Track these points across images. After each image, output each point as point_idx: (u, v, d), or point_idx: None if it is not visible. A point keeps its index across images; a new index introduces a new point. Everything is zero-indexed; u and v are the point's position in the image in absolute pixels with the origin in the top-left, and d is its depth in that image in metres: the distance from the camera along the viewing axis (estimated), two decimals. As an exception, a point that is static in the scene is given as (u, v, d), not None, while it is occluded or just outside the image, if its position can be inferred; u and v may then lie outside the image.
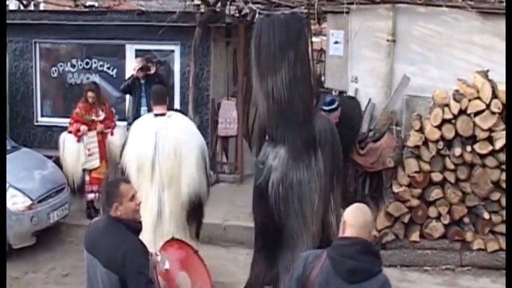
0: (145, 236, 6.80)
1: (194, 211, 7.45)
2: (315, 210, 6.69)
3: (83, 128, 10.43)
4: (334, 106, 9.20)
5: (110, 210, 4.91)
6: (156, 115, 7.47)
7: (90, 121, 10.52)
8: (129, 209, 4.91)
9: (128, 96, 11.67)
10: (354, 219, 4.11)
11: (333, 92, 11.56)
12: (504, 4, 9.98)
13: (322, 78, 13.94)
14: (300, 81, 6.52)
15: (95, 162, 10.49)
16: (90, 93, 10.61)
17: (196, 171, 7.34)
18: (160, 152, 7.12)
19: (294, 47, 6.49)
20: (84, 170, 10.48)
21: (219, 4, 12.12)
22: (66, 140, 10.50)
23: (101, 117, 10.63)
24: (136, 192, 5.09)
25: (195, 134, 7.69)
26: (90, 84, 11.16)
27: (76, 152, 10.43)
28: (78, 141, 10.43)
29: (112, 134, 10.65)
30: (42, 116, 13.28)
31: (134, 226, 4.96)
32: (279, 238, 6.76)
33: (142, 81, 11.12)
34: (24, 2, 14.09)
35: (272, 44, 6.49)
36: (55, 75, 13.16)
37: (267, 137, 6.93)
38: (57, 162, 10.67)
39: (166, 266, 5.54)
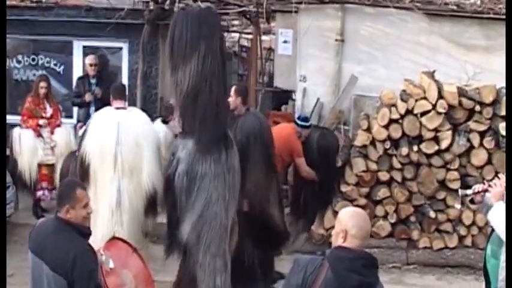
0: (103, 226, 7.04)
1: (152, 203, 7.61)
2: (223, 206, 6.78)
3: (43, 121, 10.34)
4: (308, 124, 9.32)
5: (60, 210, 4.80)
6: (117, 108, 7.66)
7: (38, 116, 10.39)
8: (79, 215, 4.81)
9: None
10: (358, 230, 3.99)
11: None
12: (450, 7, 10.16)
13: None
14: (209, 75, 6.62)
15: (52, 158, 10.33)
16: (42, 83, 10.53)
17: (155, 164, 7.55)
18: (123, 143, 7.27)
19: (204, 41, 6.60)
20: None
21: (167, 2, 12.04)
22: (23, 135, 10.30)
23: (48, 114, 10.51)
24: (89, 201, 5.00)
25: (153, 130, 7.99)
26: (42, 75, 11.08)
27: (33, 146, 10.26)
28: (38, 136, 10.28)
29: (52, 133, 10.46)
30: (-14, 112, 12.98)
31: (83, 231, 4.87)
32: (183, 231, 6.84)
33: (93, 81, 11.23)
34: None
35: (184, 36, 6.65)
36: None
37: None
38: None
39: (111, 265, 5.53)
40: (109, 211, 7.21)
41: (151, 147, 7.60)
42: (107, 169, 7.26)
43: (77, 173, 7.43)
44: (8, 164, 10.27)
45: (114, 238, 6.51)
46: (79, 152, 7.48)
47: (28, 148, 10.28)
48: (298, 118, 9.35)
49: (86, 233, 4.90)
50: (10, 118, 11.29)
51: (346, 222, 4.05)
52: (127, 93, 8.60)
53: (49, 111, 10.53)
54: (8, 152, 10.40)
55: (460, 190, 5.98)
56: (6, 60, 11.61)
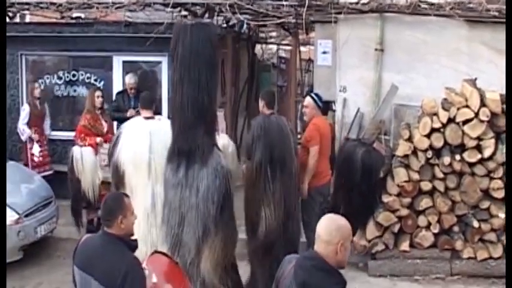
0: (139, 228, 7.04)
1: None
2: (177, 216, 7.13)
3: (100, 140, 10.35)
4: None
5: (110, 224, 4.72)
6: (146, 118, 7.95)
7: (99, 133, 10.47)
8: (130, 222, 4.80)
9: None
10: (317, 231, 4.06)
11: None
12: (492, 13, 10.00)
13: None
14: (182, 87, 7.01)
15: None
16: (98, 93, 10.67)
17: None
18: (155, 151, 7.59)
19: (178, 52, 7.03)
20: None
21: (206, 15, 12.06)
22: (84, 153, 9.91)
23: (105, 128, 10.63)
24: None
25: None
26: (95, 87, 11.03)
27: (95, 165, 10.13)
28: (96, 153, 10.16)
29: None
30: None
31: (132, 244, 4.83)
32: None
33: (132, 96, 11.40)
34: (10, 14, 14.05)
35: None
36: (41, 87, 12.99)
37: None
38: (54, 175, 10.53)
39: (154, 279, 5.49)
40: (144, 214, 7.49)
41: None
42: (141, 175, 7.61)
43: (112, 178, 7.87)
44: (70, 184, 10.24)
45: (155, 252, 6.49)
46: (112, 160, 7.77)
47: (90, 166, 10.11)
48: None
49: (134, 245, 4.85)
50: (52, 134, 11.41)
51: None
52: (154, 103, 8.74)
53: (105, 126, 10.65)
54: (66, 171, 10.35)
55: None
56: (6, 60, 11.63)
